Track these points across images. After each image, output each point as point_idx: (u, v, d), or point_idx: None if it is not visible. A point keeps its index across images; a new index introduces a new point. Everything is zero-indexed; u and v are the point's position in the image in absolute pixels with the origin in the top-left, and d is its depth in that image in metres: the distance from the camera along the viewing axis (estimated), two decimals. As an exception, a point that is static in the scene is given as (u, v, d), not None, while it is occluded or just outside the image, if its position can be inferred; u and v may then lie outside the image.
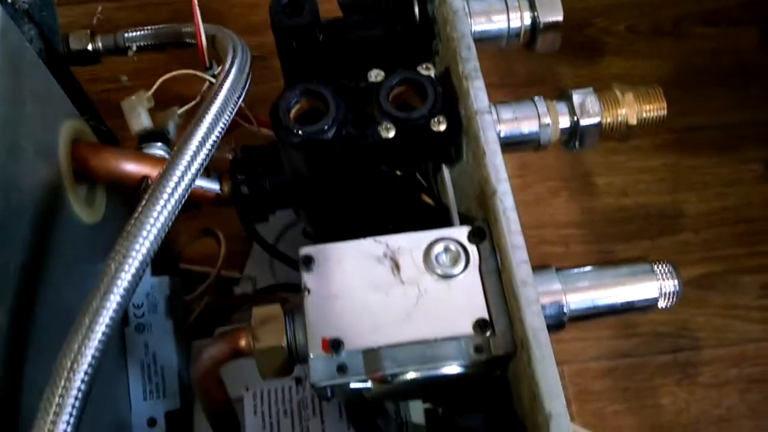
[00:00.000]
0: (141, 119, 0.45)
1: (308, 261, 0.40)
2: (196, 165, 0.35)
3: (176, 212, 0.35)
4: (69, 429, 0.28)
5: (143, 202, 0.33)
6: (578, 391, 0.63)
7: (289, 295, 0.58)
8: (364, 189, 0.46)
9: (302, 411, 0.53)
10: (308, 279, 0.39)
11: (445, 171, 0.54)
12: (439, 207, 0.55)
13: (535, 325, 0.36)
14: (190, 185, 0.35)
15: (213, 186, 0.46)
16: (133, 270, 0.31)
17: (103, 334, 0.30)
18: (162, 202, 0.34)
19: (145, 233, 0.32)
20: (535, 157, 0.74)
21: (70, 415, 0.28)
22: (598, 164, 0.74)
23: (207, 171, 0.47)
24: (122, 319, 0.48)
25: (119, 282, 0.31)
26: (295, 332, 0.39)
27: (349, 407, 0.53)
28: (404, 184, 0.52)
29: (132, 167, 0.43)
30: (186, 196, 0.35)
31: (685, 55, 0.79)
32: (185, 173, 0.35)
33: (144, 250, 0.32)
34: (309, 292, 0.39)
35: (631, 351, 0.65)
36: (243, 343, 0.39)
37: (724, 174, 0.74)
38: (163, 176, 0.34)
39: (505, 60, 0.79)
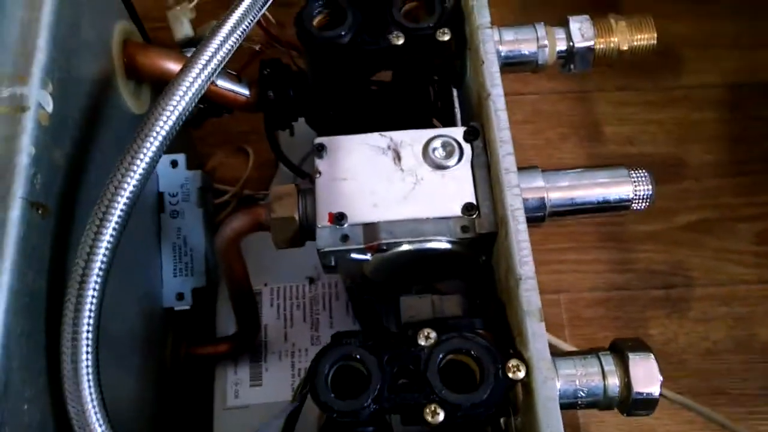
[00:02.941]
0: (183, 27, 0.52)
1: (321, 148, 0.45)
2: (221, 52, 0.41)
3: (202, 90, 0.40)
4: (102, 267, 0.35)
5: (172, 83, 0.40)
6: (572, 317, 0.68)
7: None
8: (376, 99, 0.52)
9: (313, 306, 0.59)
10: (320, 163, 0.45)
11: (455, 98, 0.59)
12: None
13: (514, 205, 0.41)
14: (215, 69, 0.41)
15: (243, 90, 0.52)
16: (163, 132, 0.38)
17: (131, 192, 0.36)
18: (187, 84, 0.40)
19: (175, 102, 0.39)
20: (547, 105, 0.78)
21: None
22: (608, 114, 0.78)
23: (239, 78, 0.53)
24: (159, 205, 0.54)
25: (146, 149, 0.38)
26: (306, 207, 0.45)
27: (355, 304, 0.59)
28: (418, 104, 0.58)
29: (173, 66, 0.49)
30: (210, 78, 0.41)
31: (701, 16, 0.82)
32: (211, 59, 0.41)
33: (177, 112, 0.38)
34: (320, 174, 0.45)
35: (625, 285, 0.69)
36: (261, 215, 0.45)
37: (730, 129, 0.77)
38: (189, 64, 0.40)
39: (524, 12, 0.83)
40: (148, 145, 0.38)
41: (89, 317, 0.34)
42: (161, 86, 0.53)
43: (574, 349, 0.65)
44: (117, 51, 0.47)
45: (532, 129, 0.77)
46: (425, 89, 0.56)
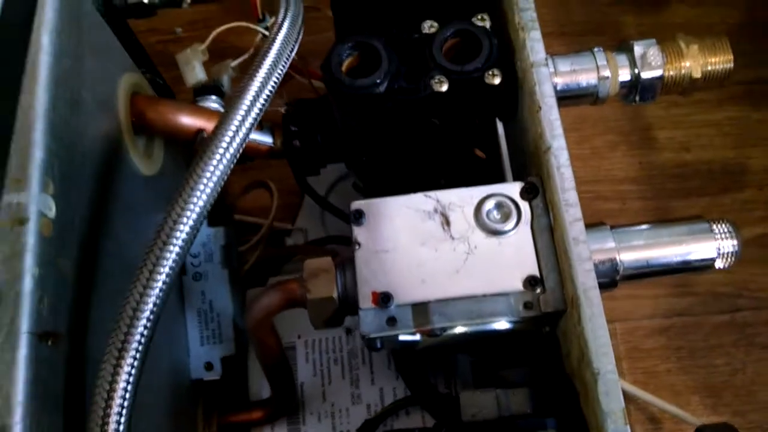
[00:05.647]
0: (196, 72, 0.46)
1: (359, 215, 0.40)
2: (250, 119, 0.36)
3: (231, 165, 0.35)
4: (133, 371, 0.30)
5: (200, 156, 0.34)
6: (630, 349, 0.63)
7: (340, 248, 0.59)
8: (415, 143, 0.46)
9: (352, 360, 0.55)
10: (359, 233, 0.40)
11: (498, 123, 0.53)
12: (490, 160, 0.54)
13: (586, 283, 0.35)
14: (245, 139, 0.36)
15: (266, 139, 0.47)
16: (191, 222, 0.32)
17: (163, 283, 0.32)
18: (218, 156, 0.34)
19: (202, 187, 0.33)
20: (592, 110, 0.72)
21: (134, 358, 0.30)
22: (659, 118, 0.71)
23: (260, 124, 0.47)
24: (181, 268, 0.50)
25: (178, 234, 0.32)
26: (346, 284, 0.39)
27: (398, 360, 0.54)
28: (458, 138, 0.52)
29: (187, 120, 0.44)
30: (241, 150, 0.36)
31: (756, 3, 0.74)
32: (240, 127, 0.35)
33: (201, 203, 0.33)
34: (359, 245, 0.39)
35: (686, 310, 0.64)
36: (295, 294, 0.40)
37: (794, 128, 0.70)
38: (219, 130, 0.35)
39: (563, 7, 0.76)
40: (185, 220, 0.32)
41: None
42: (173, 142, 0.48)
43: (633, 388, 0.60)
44: (123, 109, 0.42)
45: (577, 137, 0.71)
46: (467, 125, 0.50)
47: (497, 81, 0.40)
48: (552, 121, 0.39)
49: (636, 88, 0.44)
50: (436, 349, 0.42)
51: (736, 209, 0.67)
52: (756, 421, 0.60)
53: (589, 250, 0.36)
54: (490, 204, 0.40)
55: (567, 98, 0.44)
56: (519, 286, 0.38)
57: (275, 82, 0.36)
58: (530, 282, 0.38)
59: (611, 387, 0.34)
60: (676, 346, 0.63)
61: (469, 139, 0.51)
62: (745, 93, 0.72)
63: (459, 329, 0.38)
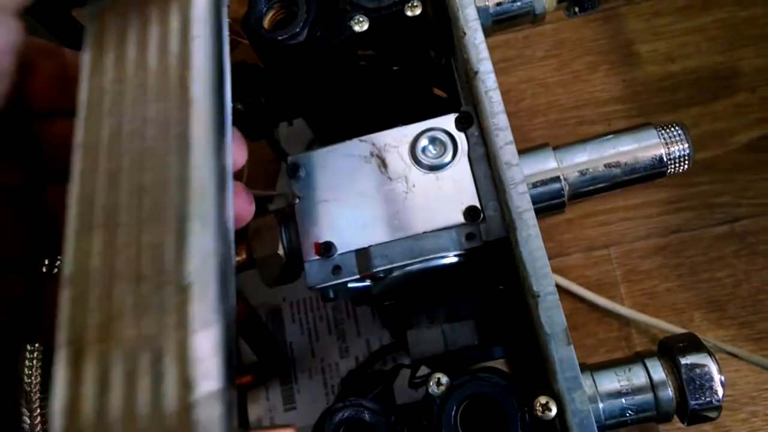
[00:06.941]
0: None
1: (295, 169, 0.40)
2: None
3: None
4: None
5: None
6: (627, 272, 0.61)
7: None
8: (354, 88, 0.45)
9: (336, 315, 0.55)
10: (297, 186, 0.39)
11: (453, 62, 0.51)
12: (452, 98, 0.53)
13: (521, 206, 0.35)
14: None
15: (211, 106, 0.46)
16: None
17: None
18: None
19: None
20: (569, 33, 0.69)
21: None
22: (639, 31, 0.68)
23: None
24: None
25: None
26: (291, 238, 0.39)
27: (380, 309, 0.54)
28: (410, 78, 0.51)
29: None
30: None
31: None
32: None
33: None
34: (299, 199, 0.39)
35: (682, 226, 0.62)
36: (243, 255, 0.41)
37: (786, 22, 0.66)
38: None
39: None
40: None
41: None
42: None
43: (632, 312, 0.59)
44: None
45: (557, 63, 0.68)
46: (418, 59, 0.49)
47: (418, 12, 0.39)
48: (477, 45, 0.38)
49: (574, -1, 0.42)
50: (398, 292, 0.42)
51: (729, 115, 0.64)
52: (765, 330, 0.58)
53: (522, 173, 0.35)
54: (424, 140, 0.39)
55: (504, 20, 0.43)
56: (460, 218, 0.37)
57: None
58: (470, 213, 0.37)
59: (552, 308, 0.33)
60: (674, 264, 0.61)
61: (420, 78, 0.50)
62: (731, -8, 0.68)
63: (407, 269, 0.37)
